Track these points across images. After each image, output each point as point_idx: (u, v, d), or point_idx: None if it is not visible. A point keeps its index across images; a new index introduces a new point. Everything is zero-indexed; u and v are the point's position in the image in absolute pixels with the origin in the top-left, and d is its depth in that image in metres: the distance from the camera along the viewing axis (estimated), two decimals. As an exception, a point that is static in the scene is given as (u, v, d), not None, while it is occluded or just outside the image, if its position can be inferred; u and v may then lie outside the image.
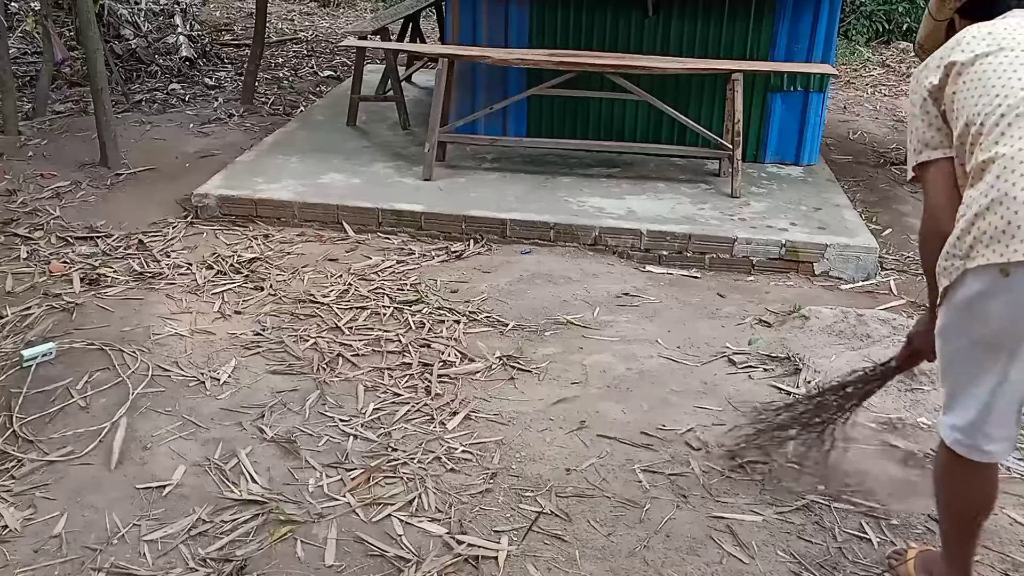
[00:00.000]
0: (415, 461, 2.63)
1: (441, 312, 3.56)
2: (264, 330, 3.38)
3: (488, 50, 4.91)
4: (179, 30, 7.77)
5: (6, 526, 2.30)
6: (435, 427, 2.80)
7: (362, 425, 2.81)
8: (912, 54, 9.46)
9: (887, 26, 10.13)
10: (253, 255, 4.04)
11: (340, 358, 3.21)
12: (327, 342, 3.31)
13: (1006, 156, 1.68)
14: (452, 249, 4.18)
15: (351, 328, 3.42)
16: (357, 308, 3.58)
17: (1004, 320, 1.71)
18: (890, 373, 2.44)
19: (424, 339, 3.34)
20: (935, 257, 1.84)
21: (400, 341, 3.32)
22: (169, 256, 4.01)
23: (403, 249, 4.18)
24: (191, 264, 3.93)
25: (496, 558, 2.24)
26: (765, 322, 3.51)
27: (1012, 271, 1.66)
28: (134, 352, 3.17)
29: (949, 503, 2.00)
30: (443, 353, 3.24)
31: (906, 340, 2.29)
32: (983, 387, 1.79)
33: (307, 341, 3.31)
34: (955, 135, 1.84)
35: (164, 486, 2.49)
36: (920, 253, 2.02)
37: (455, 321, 3.49)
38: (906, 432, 2.76)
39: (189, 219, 4.43)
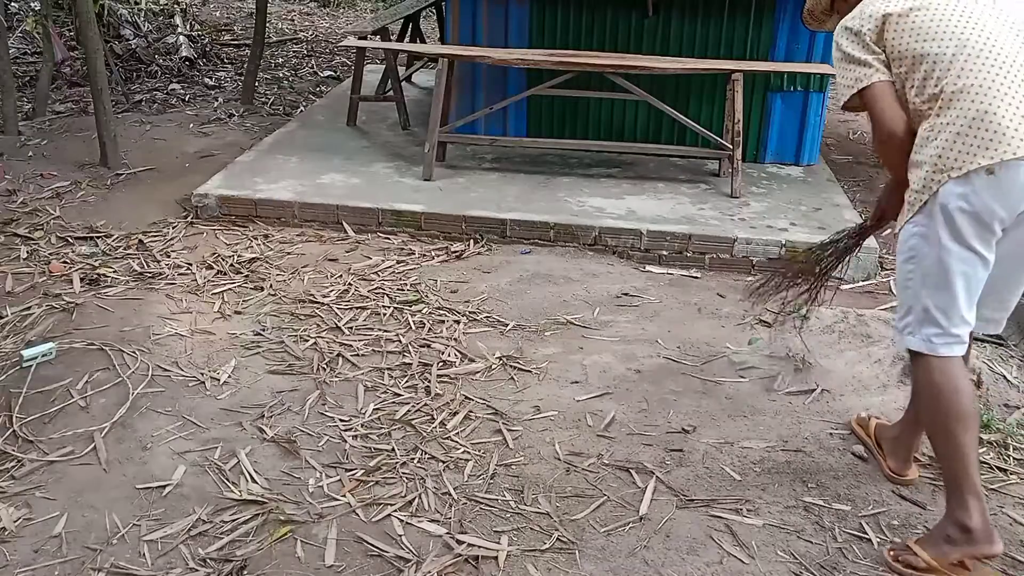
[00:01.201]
0: (415, 461, 2.63)
1: (441, 312, 3.56)
2: (264, 330, 3.38)
3: (488, 50, 4.92)
4: (179, 30, 7.78)
5: (4, 527, 2.30)
6: (435, 427, 2.80)
7: (362, 425, 2.81)
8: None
9: (887, 26, 10.12)
10: (253, 255, 4.04)
11: (340, 358, 3.21)
12: (327, 342, 3.31)
13: (975, 85, 2.05)
14: (452, 249, 4.18)
15: (351, 328, 3.42)
16: (357, 308, 3.58)
17: (989, 207, 2.05)
18: (865, 233, 2.77)
19: (424, 339, 3.34)
20: (905, 147, 2.18)
21: (400, 341, 3.32)
22: (169, 256, 4.01)
23: (403, 249, 4.19)
24: (191, 264, 3.93)
25: (496, 558, 2.24)
26: (765, 322, 3.51)
27: (996, 169, 2.02)
28: (134, 352, 3.17)
29: (944, 416, 2.16)
30: (443, 353, 3.24)
31: (876, 203, 2.58)
32: (961, 278, 2.11)
33: (307, 341, 3.31)
34: (895, 71, 2.18)
35: (164, 486, 2.49)
36: (886, 151, 2.27)
37: (455, 321, 3.49)
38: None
39: (189, 219, 4.43)
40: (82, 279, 3.72)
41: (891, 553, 2.27)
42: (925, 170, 2.11)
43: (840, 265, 2.86)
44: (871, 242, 4.13)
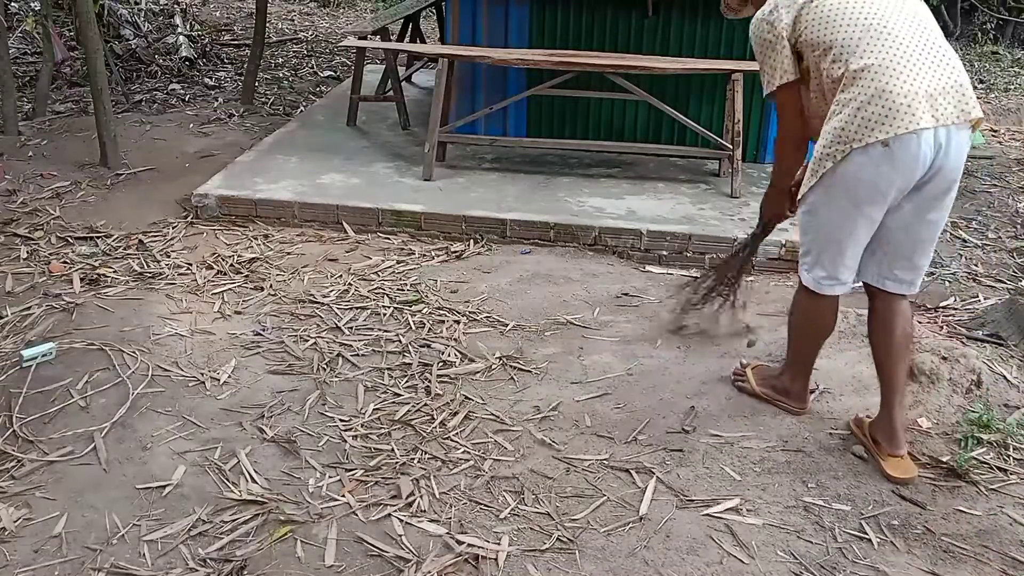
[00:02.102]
0: (415, 461, 2.63)
1: (441, 312, 3.56)
2: (264, 330, 3.38)
3: (488, 50, 4.92)
4: (179, 30, 7.77)
5: (4, 527, 2.30)
6: (435, 427, 2.80)
7: (362, 425, 2.81)
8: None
9: (887, 26, 10.12)
10: (253, 255, 4.04)
11: (340, 358, 3.21)
12: (327, 342, 3.31)
13: (875, 64, 2.30)
14: (452, 249, 4.18)
15: (351, 328, 3.42)
16: (357, 308, 3.58)
17: (883, 177, 2.33)
18: (757, 240, 3.18)
19: (424, 339, 3.34)
20: (798, 152, 2.66)
21: (400, 341, 3.32)
22: (169, 256, 4.01)
23: (403, 249, 4.18)
24: (191, 264, 3.93)
25: (496, 558, 2.24)
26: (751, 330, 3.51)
27: (891, 143, 2.28)
28: (134, 352, 3.17)
29: (807, 332, 2.75)
30: (443, 353, 3.24)
31: (760, 213, 3.03)
32: (850, 236, 2.47)
33: (307, 341, 3.31)
34: (811, 59, 2.45)
35: (164, 486, 2.49)
36: (783, 151, 2.70)
37: (455, 321, 3.49)
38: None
39: (189, 219, 4.43)
40: (82, 279, 3.72)
41: (733, 373, 3.02)
42: (827, 141, 2.38)
43: (745, 273, 3.33)
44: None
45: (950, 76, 2.33)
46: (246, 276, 3.85)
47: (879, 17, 2.37)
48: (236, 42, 8.65)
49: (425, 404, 2.93)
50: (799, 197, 2.56)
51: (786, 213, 2.90)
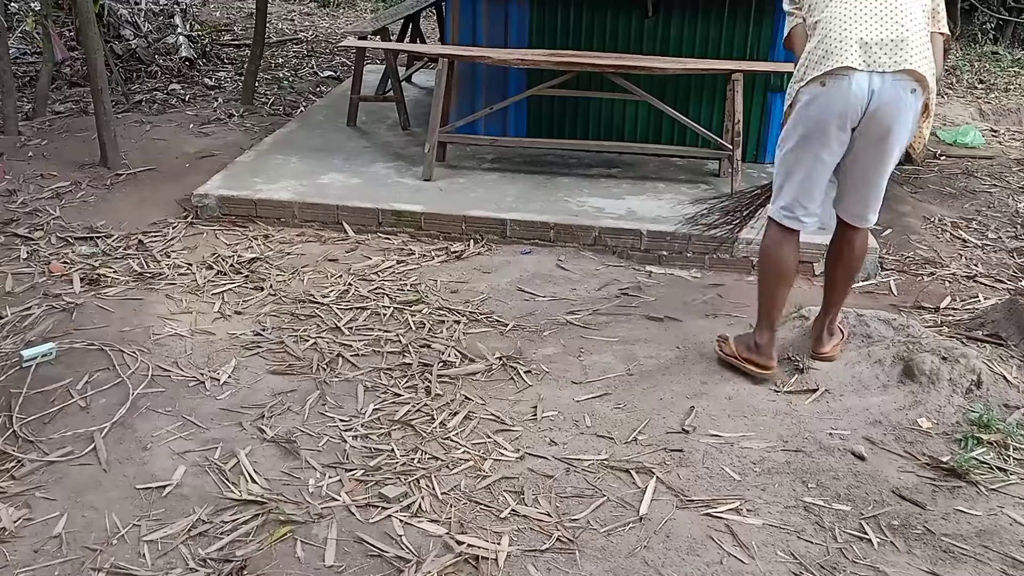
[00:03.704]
0: (415, 461, 2.63)
1: (441, 312, 3.56)
2: (264, 330, 3.38)
3: (488, 50, 4.91)
4: (179, 30, 7.77)
5: (4, 527, 2.30)
6: (435, 427, 2.80)
7: (362, 425, 2.81)
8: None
9: (887, 26, 10.11)
10: (253, 255, 4.04)
11: (340, 358, 3.21)
12: (327, 342, 3.31)
13: (825, 18, 2.70)
14: (452, 249, 4.18)
15: (351, 328, 3.42)
16: (357, 308, 3.58)
17: (822, 114, 2.70)
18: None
19: (424, 339, 3.34)
20: None
21: (400, 341, 3.32)
22: (169, 256, 4.01)
23: (403, 249, 4.19)
24: (191, 264, 3.93)
25: (496, 558, 2.24)
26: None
27: (827, 80, 2.66)
28: (134, 352, 3.17)
29: (768, 271, 3.00)
30: (443, 353, 3.24)
31: None
32: (803, 171, 2.82)
33: (307, 341, 3.31)
34: (806, 18, 2.81)
35: (164, 486, 2.49)
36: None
37: (455, 321, 3.49)
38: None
39: (189, 219, 4.43)
40: (82, 279, 3.72)
41: (718, 341, 3.23)
42: (792, 80, 2.81)
43: (758, 210, 3.50)
44: (871, 242, 4.13)
45: (893, 30, 2.63)
46: (246, 276, 3.85)
47: None
48: (236, 42, 8.66)
49: (425, 404, 2.93)
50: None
51: None
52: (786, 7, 2.92)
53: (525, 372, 3.14)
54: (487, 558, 2.24)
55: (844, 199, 2.95)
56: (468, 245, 4.23)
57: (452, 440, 2.74)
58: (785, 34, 2.94)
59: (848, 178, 2.88)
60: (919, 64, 2.63)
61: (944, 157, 6.04)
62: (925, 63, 2.66)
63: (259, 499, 2.44)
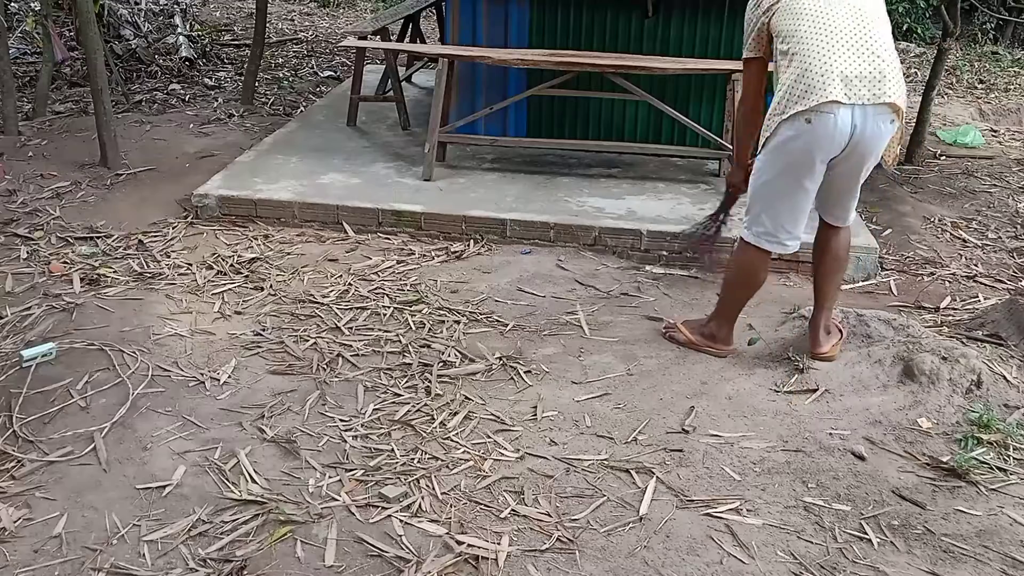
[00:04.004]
0: (415, 461, 2.63)
1: (441, 312, 3.56)
2: (264, 330, 3.38)
3: (488, 50, 4.91)
4: (179, 30, 7.77)
5: (4, 527, 2.30)
6: (435, 427, 2.80)
7: (362, 425, 2.81)
8: (912, 54, 9.46)
9: (887, 26, 10.13)
10: (253, 255, 4.04)
11: (340, 358, 3.21)
12: (327, 342, 3.31)
13: (804, 50, 2.75)
14: (452, 249, 4.18)
15: (351, 328, 3.42)
16: (357, 308, 3.58)
17: (807, 148, 2.76)
18: (725, 208, 3.54)
19: (424, 339, 3.34)
20: (754, 124, 3.00)
21: (400, 341, 3.32)
22: (169, 256, 4.01)
23: (403, 249, 4.19)
24: (191, 264, 3.93)
25: (496, 558, 2.24)
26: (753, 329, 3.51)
27: (811, 117, 2.71)
28: (134, 352, 3.17)
29: (740, 283, 3.15)
30: (443, 353, 3.24)
31: (727, 186, 3.42)
32: (789, 201, 2.91)
33: (307, 341, 3.31)
34: (775, 44, 2.87)
35: (164, 486, 2.49)
36: (741, 122, 3.15)
37: (455, 321, 3.49)
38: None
39: (189, 219, 4.43)
40: (82, 279, 3.72)
41: (663, 327, 3.38)
42: (770, 113, 2.84)
43: (715, 239, 3.67)
44: (871, 242, 4.14)
45: (872, 64, 2.72)
46: (246, 276, 3.85)
47: (825, 10, 2.78)
48: (236, 42, 8.66)
49: (425, 404, 2.93)
50: (748, 162, 3.06)
51: (742, 187, 3.23)
52: (748, 33, 2.99)
53: (525, 372, 3.14)
54: (487, 558, 2.24)
55: (823, 206, 3.05)
56: (468, 245, 4.23)
57: (452, 440, 2.74)
58: (745, 56, 3.03)
59: (827, 192, 2.97)
60: (897, 97, 2.74)
61: (944, 157, 6.04)
62: (901, 93, 2.77)
63: (259, 499, 2.44)
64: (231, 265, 3.94)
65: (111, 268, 3.86)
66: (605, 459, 2.66)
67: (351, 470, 2.59)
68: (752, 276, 3.12)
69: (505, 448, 2.71)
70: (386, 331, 3.40)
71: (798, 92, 2.72)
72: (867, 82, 2.71)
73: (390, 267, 3.98)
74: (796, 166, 2.82)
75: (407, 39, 6.73)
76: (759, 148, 2.91)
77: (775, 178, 2.88)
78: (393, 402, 2.95)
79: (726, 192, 3.48)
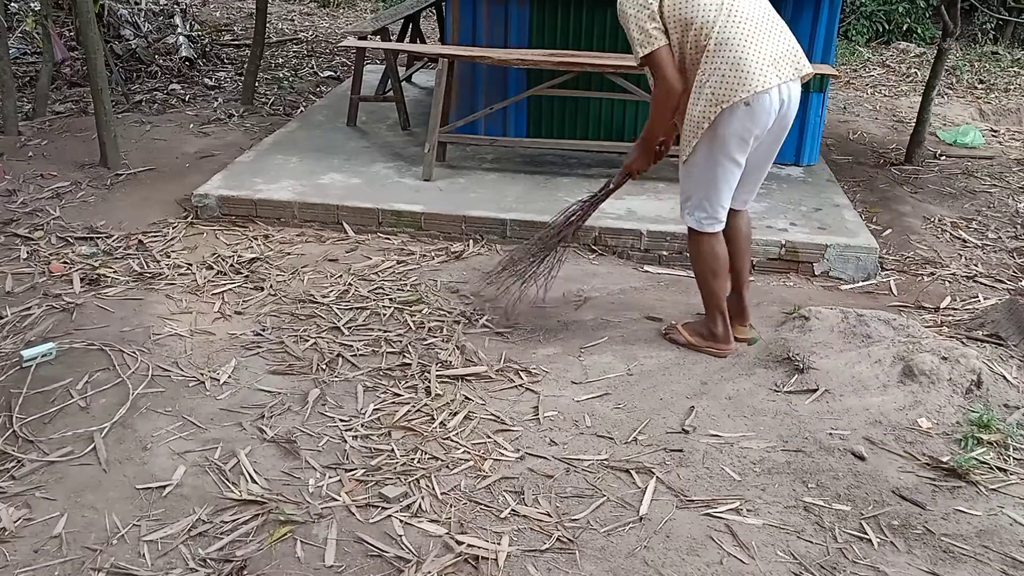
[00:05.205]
0: (415, 461, 2.63)
1: (441, 312, 3.56)
2: (264, 330, 3.38)
3: (488, 50, 4.92)
4: (179, 30, 7.77)
5: (4, 527, 2.30)
6: (435, 427, 2.80)
7: (362, 425, 2.81)
8: (912, 54, 9.46)
9: (887, 26, 10.14)
10: (253, 255, 4.04)
11: (340, 358, 3.21)
12: (327, 342, 3.31)
13: (731, 39, 2.88)
14: (452, 249, 4.18)
15: (351, 328, 3.42)
16: (357, 308, 3.58)
17: (746, 129, 2.93)
18: (607, 194, 3.49)
19: (424, 339, 3.34)
20: (678, 102, 3.01)
21: (400, 341, 3.32)
22: (169, 256, 4.01)
23: (403, 249, 4.19)
24: (191, 264, 3.93)
25: (496, 558, 2.24)
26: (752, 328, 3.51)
27: (751, 101, 2.88)
28: (134, 352, 3.17)
29: (708, 270, 3.21)
30: (443, 354, 3.24)
31: (623, 167, 3.37)
32: (728, 180, 3.06)
33: (307, 341, 3.31)
34: (671, 35, 2.94)
35: (164, 486, 2.49)
36: (662, 107, 3.04)
37: (455, 322, 3.49)
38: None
39: (189, 219, 4.43)
40: (82, 279, 3.72)
41: (663, 329, 3.42)
42: (703, 105, 2.93)
43: (582, 224, 3.56)
44: (871, 242, 4.14)
45: (785, 43, 2.98)
46: (246, 276, 3.85)
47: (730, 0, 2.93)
48: (236, 42, 8.66)
49: (425, 404, 2.93)
50: (685, 160, 3.07)
51: (647, 167, 3.32)
52: (647, 27, 2.92)
53: (525, 372, 3.14)
54: (487, 558, 2.24)
55: (741, 191, 3.21)
56: (468, 245, 4.23)
57: (452, 440, 2.74)
58: (645, 54, 2.95)
59: (748, 174, 3.14)
60: (807, 65, 3.03)
61: (944, 157, 6.05)
62: (807, 61, 3.05)
63: (259, 499, 2.44)
64: (231, 265, 3.94)
65: (111, 268, 3.86)
66: (605, 459, 2.66)
67: (351, 470, 2.59)
68: (715, 259, 3.20)
69: (505, 448, 2.71)
70: (386, 331, 3.40)
71: (736, 81, 2.86)
72: (787, 61, 2.95)
73: (390, 267, 3.98)
74: (736, 148, 2.97)
75: (407, 39, 6.73)
76: (695, 140, 2.98)
77: (717, 165, 3.01)
78: (393, 402, 2.95)
79: (620, 176, 3.41)
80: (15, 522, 2.33)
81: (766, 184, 4.98)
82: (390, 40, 6.09)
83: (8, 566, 2.19)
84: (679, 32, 2.93)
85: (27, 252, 3.98)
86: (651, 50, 2.95)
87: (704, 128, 2.94)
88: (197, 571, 2.19)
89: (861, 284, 4.03)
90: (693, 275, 3.32)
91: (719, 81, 2.88)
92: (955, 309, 3.77)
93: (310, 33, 9.61)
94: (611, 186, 3.45)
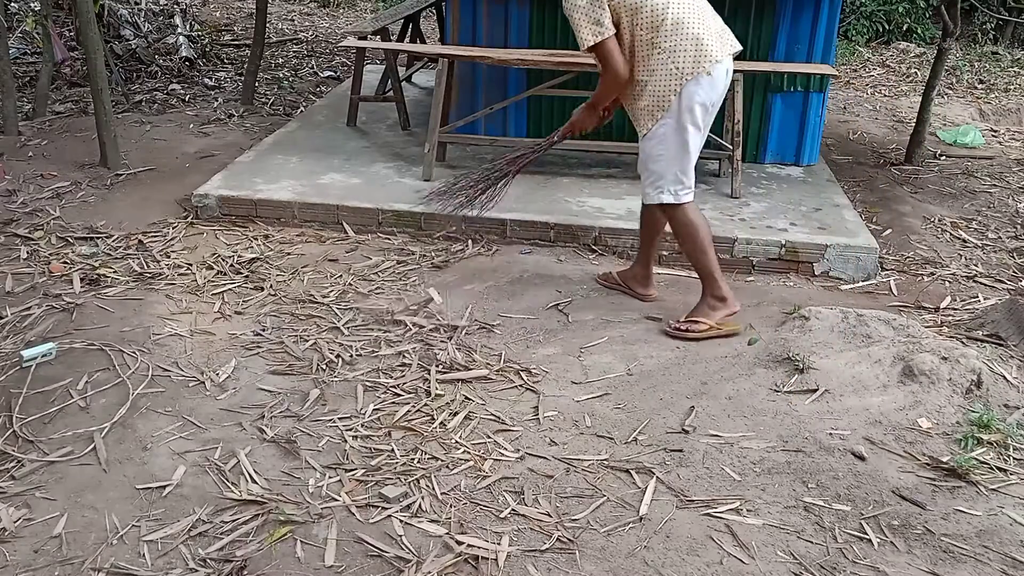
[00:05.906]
0: (415, 461, 2.63)
1: (441, 313, 3.56)
2: (264, 330, 3.38)
3: (488, 50, 4.92)
4: (179, 30, 7.77)
5: (4, 528, 2.30)
6: (435, 428, 2.80)
7: (362, 425, 2.81)
8: (912, 54, 9.47)
9: (887, 26, 10.14)
10: (253, 255, 4.04)
11: (340, 358, 3.21)
12: (327, 342, 3.31)
13: (685, 20, 3.15)
14: (452, 249, 4.18)
15: (351, 328, 3.42)
16: (357, 308, 3.58)
17: (710, 98, 3.22)
18: (552, 144, 3.74)
19: (424, 340, 3.34)
20: (625, 86, 3.28)
21: (400, 342, 3.32)
22: (169, 256, 4.01)
23: (403, 249, 4.19)
24: (191, 264, 3.93)
25: (496, 558, 2.24)
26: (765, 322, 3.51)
27: (712, 71, 3.17)
28: (134, 352, 3.17)
29: (696, 240, 3.37)
30: (443, 354, 3.24)
31: (569, 123, 3.60)
32: (694, 152, 3.30)
33: (307, 341, 3.31)
34: (622, 21, 3.18)
35: (164, 486, 2.49)
36: (610, 89, 3.33)
37: (455, 323, 3.48)
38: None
39: (189, 219, 4.43)
40: (82, 279, 3.72)
41: (673, 325, 3.42)
42: (666, 81, 3.18)
43: (520, 168, 3.81)
44: (871, 242, 4.14)
45: (719, 22, 3.29)
46: (246, 276, 3.85)
47: None
48: (236, 42, 8.66)
49: (425, 404, 2.93)
50: (646, 133, 3.29)
51: (591, 128, 3.59)
52: (601, 17, 3.11)
53: (525, 372, 3.14)
54: (487, 558, 2.24)
55: None
56: (468, 245, 4.23)
57: (452, 440, 2.74)
58: (591, 44, 3.15)
59: None
60: (737, 43, 3.34)
61: (944, 157, 6.05)
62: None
63: (259, 499, 2.44)
64: (231, 265, 3.94)
65: (111, 268, 3.86)
66: (605, 459, 2.66)
67: (351, 470, 2.59)
68: (698, 228, 3.37)
69: (505, 448, 2.71)
70: (386, 331, 3.40)
71: (695, 55, 3.13)
72: (725, 34, 3.28)
73: (390, 267, 3.98)
74: (701, 116, 3.23)
75: (407, 39, 6.73)
76: (661, 115, 3.21)
77: (686, 132, 3.24)
78: (393, 402, 2.95)
79: (562, 131, 3.65)
80: (15, 522, 2.33)
81: (766, 184, 5.01)
82: (390, 40, 6.09)
83: (8, 566, 2.20)
84: (629, 16, 3.16)
85: (27, 252, 3.98)
86: (601, 39, 3.15)
87: (671, 101, 3.18)
88: (197, 571, 2.19)
89: (861, 284, 4.03)
90: (683, 253, 3.51)
91: (680, 57, 3.14)
92: (955, 309, 3.77)
93: (310, 33, 9.61)
94: (555, 138, 3.71)
